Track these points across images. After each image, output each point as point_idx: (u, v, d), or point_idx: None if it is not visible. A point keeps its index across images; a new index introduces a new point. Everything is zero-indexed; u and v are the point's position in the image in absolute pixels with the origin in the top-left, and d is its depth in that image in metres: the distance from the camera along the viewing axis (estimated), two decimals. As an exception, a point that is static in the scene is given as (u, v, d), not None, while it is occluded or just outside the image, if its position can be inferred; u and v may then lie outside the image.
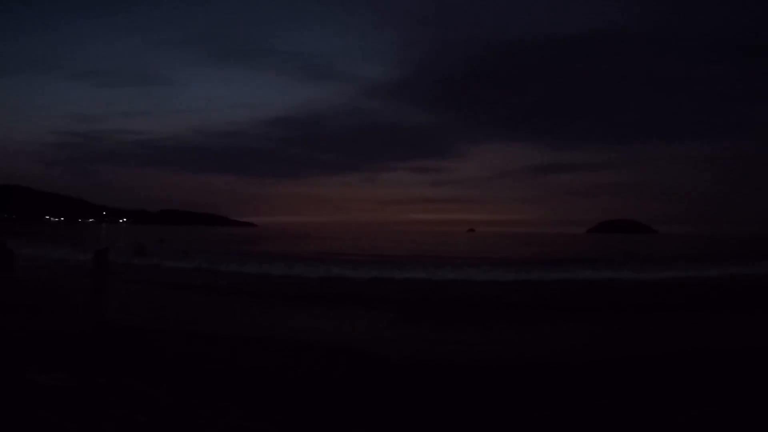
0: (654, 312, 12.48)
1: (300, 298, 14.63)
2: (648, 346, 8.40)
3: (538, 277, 19.22)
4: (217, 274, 19.93)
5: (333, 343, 8.39)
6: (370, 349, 7.98)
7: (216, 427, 4.12)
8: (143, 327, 9.03)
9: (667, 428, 4.54)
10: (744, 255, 29.18)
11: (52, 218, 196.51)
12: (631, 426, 4.60)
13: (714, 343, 8.61)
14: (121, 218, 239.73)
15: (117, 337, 8.04)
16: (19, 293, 13.48)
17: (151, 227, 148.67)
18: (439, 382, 6.12)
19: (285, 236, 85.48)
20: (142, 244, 26.14)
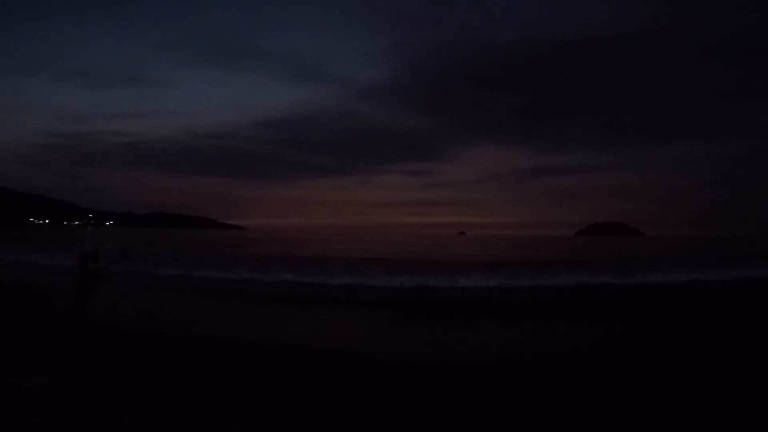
0: (649, 312, 12.55)
1: (292, 302, 14.44)
2: (644, 346, 8.41)
3: (531, 280, 19.24)
4: (204, 279, 19.64)
5: (328, 345, 8.27)
6: (365, 351, 7.88)
7: (205, 431, 3.98)
8: (129, 330, 8.82)
9: (667, 428, 4.50)
10: (731, 258, 29.55)
11: (36, 221, 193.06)
12: (632, 426, 4.54)
13: (709, 344, 8.65)
14: (108, 221, 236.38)
15: (102, 340, 7.83)
16: (0, 296, 13.12)
17: (138, 230, 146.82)
18: (438, 383, 6.02)
19: (276, 240, 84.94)
20: (127, 248, 25.20)
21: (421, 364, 7.13)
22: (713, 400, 5.21)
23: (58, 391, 4.63)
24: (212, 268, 21.74)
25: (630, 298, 15.56)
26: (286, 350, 7.74)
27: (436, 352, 8.05)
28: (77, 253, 20.66)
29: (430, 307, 13.75)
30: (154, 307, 12.58)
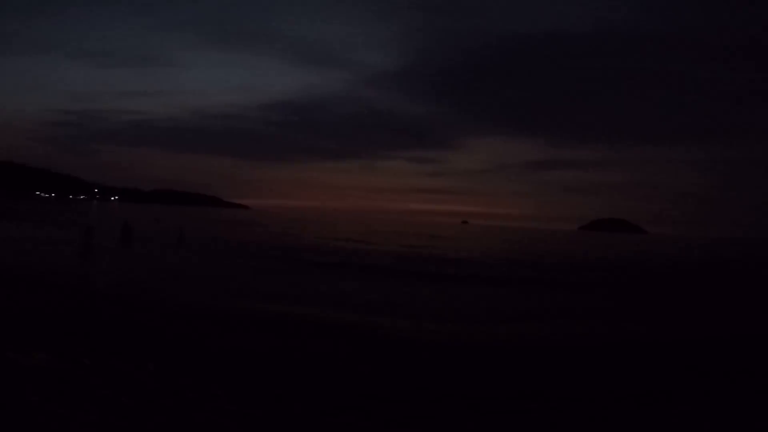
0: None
1: (297, 281, 14.47)
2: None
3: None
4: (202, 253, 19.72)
5: (327, 321, 8.31)
6: (366, 328, 7.94)
7: (202, 411, 4.01)
8: (130, 303, 8.87)
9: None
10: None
11: (42, 194, 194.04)
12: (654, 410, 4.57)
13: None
14: (113, 196, 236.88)
15: (102, 315, 7.87)
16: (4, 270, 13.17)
17: (142, 206, 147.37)
18: (441, 364, 6.05)
19: (278, 220, 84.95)
20: (129, 226, 23.66)
21: (423, 342, 7.11)
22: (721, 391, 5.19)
23: (57, 367, 4.68)
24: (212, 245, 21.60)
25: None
26: (289, 325, 7.79)
27: (444, 332, 8.04)
28: (82, 228, 20.78)
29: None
30: (151, 280, 12.64)
